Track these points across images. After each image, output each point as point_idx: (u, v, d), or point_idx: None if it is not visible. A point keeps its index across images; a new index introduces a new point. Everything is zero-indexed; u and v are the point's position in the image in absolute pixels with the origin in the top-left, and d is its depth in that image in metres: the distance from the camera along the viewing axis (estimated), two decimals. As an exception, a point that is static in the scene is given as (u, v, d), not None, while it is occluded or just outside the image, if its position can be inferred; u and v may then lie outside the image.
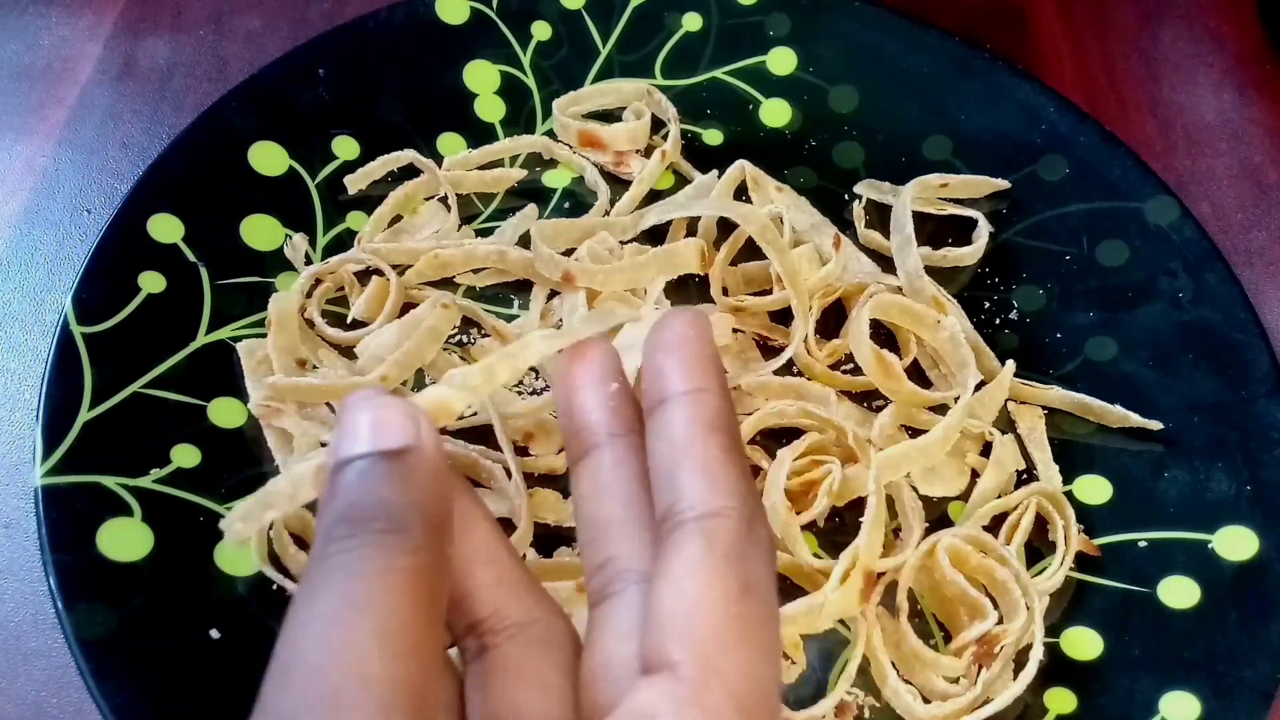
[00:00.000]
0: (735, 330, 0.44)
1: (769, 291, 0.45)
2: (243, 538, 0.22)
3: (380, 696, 0.18)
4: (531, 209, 0.48)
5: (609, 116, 0.51)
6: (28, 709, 0.38)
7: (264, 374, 0.41)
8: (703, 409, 0.23)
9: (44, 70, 0.54)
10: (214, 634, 0.36)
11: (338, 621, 0.19)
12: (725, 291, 0.45)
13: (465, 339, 0.44)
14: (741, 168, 0.48)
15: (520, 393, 0.43)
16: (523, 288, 0.46)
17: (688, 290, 0.46)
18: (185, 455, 0.39)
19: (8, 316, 0.46)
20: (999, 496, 0.41)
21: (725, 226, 0.46)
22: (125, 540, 0.36)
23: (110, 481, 0.38)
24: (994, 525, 0.41)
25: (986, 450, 0.42)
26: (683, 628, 0.20)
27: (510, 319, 0.45)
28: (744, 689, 0.20)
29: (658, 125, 0.51)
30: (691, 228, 0.47)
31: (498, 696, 0.22)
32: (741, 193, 0.49)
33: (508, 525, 0.39)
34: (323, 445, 0.40)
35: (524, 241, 0.46)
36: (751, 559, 0.22)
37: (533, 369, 0.44)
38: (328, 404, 0.41)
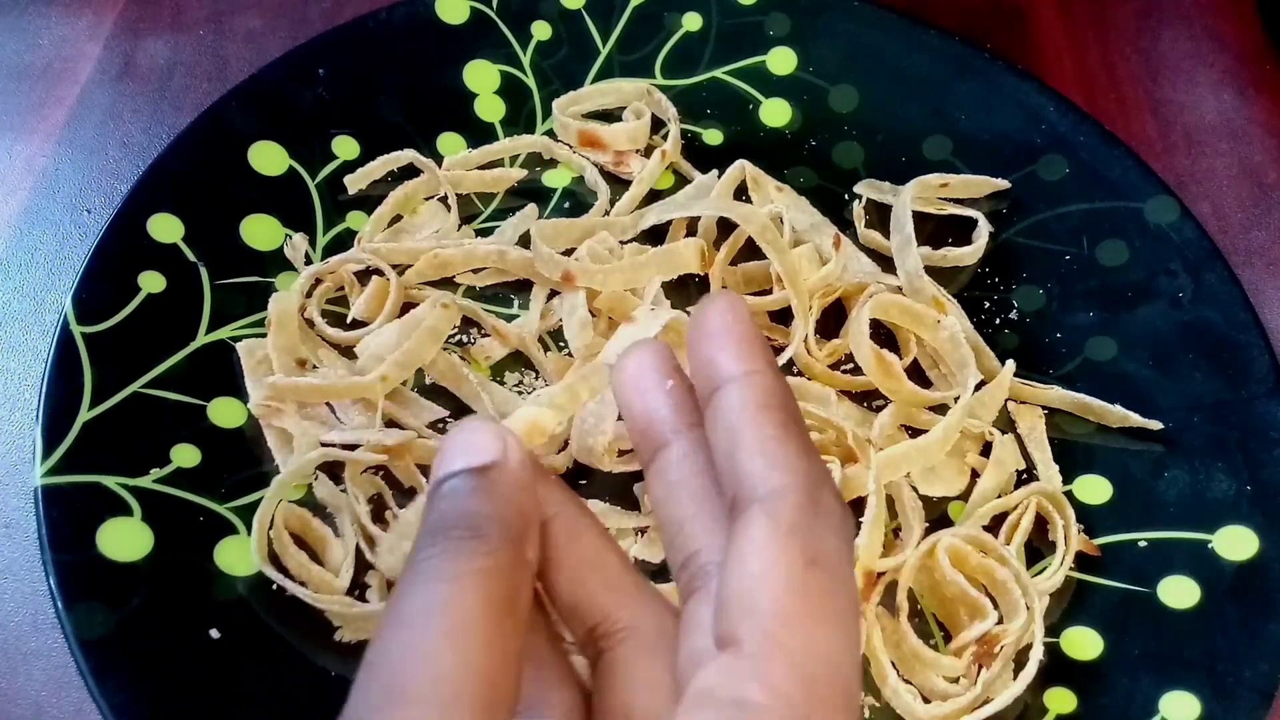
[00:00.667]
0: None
1: (769, 291, 0.45)
2: (395, 572, 0.23)
3: (448, 693, 0.19)
4: (531, 209, 0.48)
5: (609, 116, 0.51)
6: (28, 709, 0.38)
7: (264, 374, 0.41)
8: (753, 390, 0.23)
9: (44, 70, 0.54)
10: (214, 634, 0.36)
11: (414, 624, 0.20)
12: (725, 291, 0.45)
13: (465, 339, 0.44)
14: (741, 168, 0.48)
15: (520, 393, 0.43)
16: (523, 288, 0.46)
17: (688, 290, 0.46)
18: (185, 455, 0.39)
19: (8, 316, 0.46)
20: (999, 496, 0.41)
21: (725, 226, 0.46)
22: (125, 540, 0.36)
23: (110, 481, 0.38)
24: (994, 525, 0.41)
25: (986, 450, 0.42)
26: (746, 605, 0.20)
27: (510, 319, 0.45)
28: (811, 663, 0.20)
29: (658, 125, 0.50)
30: (691, 228, 0.47)
31: (611, 699, 0.23)
32: (741, 193, 0.49)
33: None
34: (322, 445, 0.40)
35: (524, 241, 0.46)
36: (819, 531, 0.21)
37: (532, 369, 0.44)
38: (328, 404, 0.42)
